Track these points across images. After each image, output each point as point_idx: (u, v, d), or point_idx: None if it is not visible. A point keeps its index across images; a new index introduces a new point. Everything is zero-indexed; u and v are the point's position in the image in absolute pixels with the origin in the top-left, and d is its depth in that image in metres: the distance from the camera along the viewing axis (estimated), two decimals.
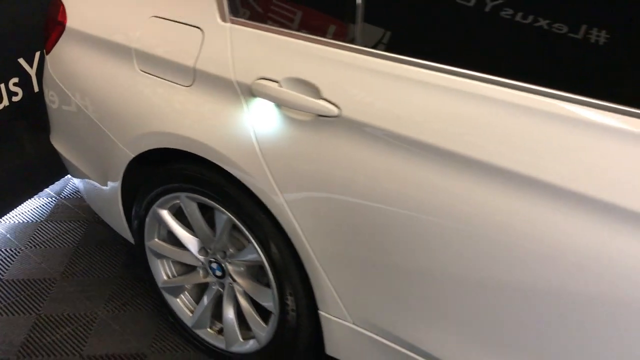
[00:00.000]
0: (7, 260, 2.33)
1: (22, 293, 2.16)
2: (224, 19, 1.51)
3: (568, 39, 1.07)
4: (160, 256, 1.90)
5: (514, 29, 1.12)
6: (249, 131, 1.45)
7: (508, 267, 1.17)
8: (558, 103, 1.08)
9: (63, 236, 2.48)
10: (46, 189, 2.78)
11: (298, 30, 1.39)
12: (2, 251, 2.37)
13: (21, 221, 2.57)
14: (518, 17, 1.11)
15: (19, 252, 2.39)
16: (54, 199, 2.74)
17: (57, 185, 2.80)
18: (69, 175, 2.72)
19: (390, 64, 1.25)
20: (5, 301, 2.12)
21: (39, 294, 2.16)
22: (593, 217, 1.05)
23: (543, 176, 1.08)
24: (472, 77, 1.15)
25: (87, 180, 2.01)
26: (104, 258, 2.34)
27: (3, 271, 2.26)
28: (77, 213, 2.63)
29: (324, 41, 1.35)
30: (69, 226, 2.54)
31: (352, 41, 1.32)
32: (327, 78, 1.33)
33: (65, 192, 2.79)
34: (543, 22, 1.09)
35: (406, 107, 1.22)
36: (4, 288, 2.18)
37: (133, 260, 2.29)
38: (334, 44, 1.34)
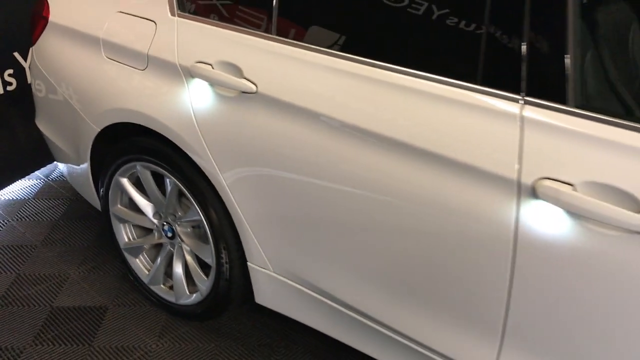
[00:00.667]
0: None
1: (6, 255, 2.45)
2: (173, 14, 1.81)
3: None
4: (122, 221, 2.19)
5: (405, 23, 1.41)
6: (188, 106, 1.75)
7: (389, 218, 1.44)
8: (410, 78, 1.36)
9: (47, 211, 2.77)
10: (36, 172, 3.08)
11: (229, 22, 1.68)
12: None
13: (10, 198, 2.87)
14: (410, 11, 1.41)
15: (6, 223, 2.68)
16: (42, 180, 3.05)
17: (46, 169, 3.10)
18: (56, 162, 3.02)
19: (300, 51, 1.54)
20: None
21: (20, 257, 2.45)
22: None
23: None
24: (365, 62, 1.43)
25: (65, 156, 2.31)
26: (81, 230, 2.63)
27: None
28: (61, 193, 2.93)
29: (248, 31, 1.65)
30: (52, 203, 2.84)
31: (269, 31, 1.61)
32: (249, 61, 1.62)
33: (53, 175, 3.09)
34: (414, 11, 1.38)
35: (311, 86, 1.50)
36: None
37: (105, 232, 2.58)
38: (255, 33, 1.63)
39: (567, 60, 1.18)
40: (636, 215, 1.11)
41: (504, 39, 1.26)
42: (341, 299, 1.68)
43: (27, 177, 3.03)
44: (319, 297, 1.75)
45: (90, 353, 1.99)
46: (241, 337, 2.08)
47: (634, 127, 1.12)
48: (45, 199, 2.89)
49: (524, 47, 1.22)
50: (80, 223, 2.68)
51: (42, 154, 2.76)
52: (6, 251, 2.50)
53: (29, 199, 2.89)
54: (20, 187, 2.97)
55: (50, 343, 2.03)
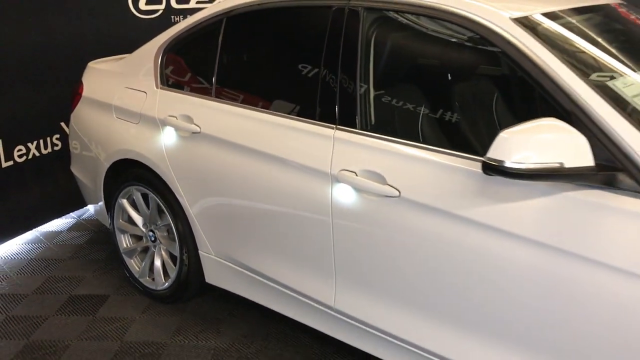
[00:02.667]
0: (37, 245, 3.58)
1: (43, 264, 3.38)
2: (157, 87, 2.81)
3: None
4: (123, 232, 3.11)
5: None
6: (162, 145, 2.70)
7: (273, 204, 2.30)
8: (277, 118, 2.28)
9: (75, 239, 3.72)
10: (71, 213, 4.07)
11: (189, 91, 2.66)
12: (36, 244, 3.63)
13: (51, 230, 3.84)
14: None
15: (45, 245, 3.64)
16: (74, 218, 4.03)
17: (79, 212, 4.08)
18: (87, 207, 4.00)
19: (226, 106, 2.48)
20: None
21: (52, 267, 3.36)
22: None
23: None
24: (258, 110, 2.37)
25: (88, 190, 3.26)
26: (96, 250, 3.55)
27: (34, 252, 3.51)
28: (87, 227, 3.89)
29: (200, 95, 2.62)
30: (80, 233, 3.80)
31: (210, 95, 2.58)
32: (198, 113, 2.58)
33: (84, 215, 4.07)
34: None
35: (232, 126, 2.43)
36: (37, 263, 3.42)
37: (111, 249, 3.48)
38: (203, 97, 2.60)
39: (357, 105, 2.08)
40: (383, 186, 1.96)
41: (328, 96, 2.18)
42: (260, 270, 2.51)
43: (64, 216, 4.02)
44: (245, 272, 2.59)
45: (93, 321, 2.85)
46: (200, 313, 2.90)
47: (383, 137, 1.99)
48: (75, 230, 3.85)
49: (337, 98, 2.13)
50: (97, 246, 3.61)
51: (76, 200, 3.73)
52: (43, 262, 3.43)
53: (63, 230, 3.86)
54: (59, 222, 3.95)
55: (72, 314, 2.91)
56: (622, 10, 2.44)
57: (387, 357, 2.17)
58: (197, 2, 4.27)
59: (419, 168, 1.90)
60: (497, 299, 1.79)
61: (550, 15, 1.99)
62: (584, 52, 1.94)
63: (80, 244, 3.66)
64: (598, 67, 1.89)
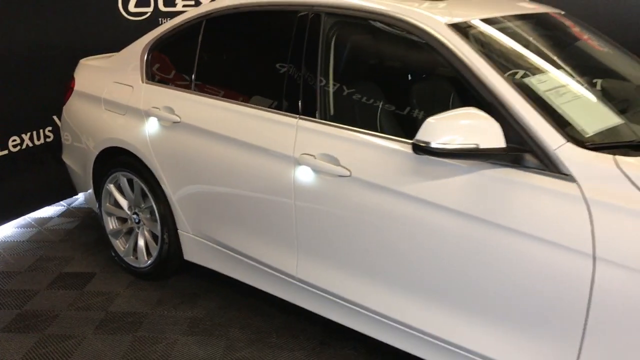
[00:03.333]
0: (29, 229, 3.85)
1: (34, 245, 3.64)
2: (142, 82, 3.09)
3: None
4: (110, 214, 3.39)
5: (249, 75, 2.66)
6: (146, 133, 2.99)
7: (244, 185, 2.59)
8: (249, 109, 2.58)
9: (65, 224, 3.99)
10: (61, 201, 4.34)
11: (172, 85, 2.96)
12: (28, 228, 3.90)
13: (43, 215, 4.11)
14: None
15: (37, 229, 3.91)
16: (64, 206, 4.30)
17: (69, 200, 4.35)
18: (77, 195, 4.27)
19: (204, 99, 2.78)
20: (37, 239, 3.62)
21: (45, 248, 3.64)
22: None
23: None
24: (232, 102, 2.66)
25: (79, 178, 3.54)
26: (85, 234, 3.82)
27: (24, 237, 3.78)
28: (76, 214, 4.16)
29: (181, 89, 2.91)
30: (69, 219, 4.07)
31: (190, 89, 2.87)
32: (178, 105, 2.87)
33: (74, 204, 4.34)
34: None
35: (208, 117, 2.72)
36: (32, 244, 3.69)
37: (99, 233, 3.75)
38: (184, 90, 2.89)
39: (317, 98, 2.38)
40: (337, 167, 2.26)
41: (293, 90, 2.48)
42: (233, 246, 2.80)
43: (55, 203, 4.29)
44: (220, 248, 2.87)
45: (81, 294, 3.12)
46: (179, 288, 3.18)
47: (337, 125, 2.29)
48: (65, 216, 4.12)
49: (301, 92, 2.43)
50: (86, 230, 3.88)
51: (66, 189, 4.00)
52: (34, 244, 3.70)
53: (54, 216, 4.13)
54: (50, 209, 4.22)
55: (61, 289, 3.18)
56: (560, 19, 2.76)
57: (343, 321, 2.46)
58: (184, 6, 4.56)
59: (366, 151, 2.21)
60: (432, 262, 2.09)
61: (484, 21, 2.30)
62: (508, 53, 2.25)
63: (70, 229, 3.93)
64: (520, 66, 2.20)
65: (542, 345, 1.89)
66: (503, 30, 2.36)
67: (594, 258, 1.73)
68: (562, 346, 1.84)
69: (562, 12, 2.91)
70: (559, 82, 2.13)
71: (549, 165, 1.86)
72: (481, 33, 2.24)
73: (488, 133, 1.86)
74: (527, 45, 2.36)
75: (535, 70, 2.17)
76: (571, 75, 2.25)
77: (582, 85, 2.20)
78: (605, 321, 1.74)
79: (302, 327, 2.81)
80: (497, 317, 1.98)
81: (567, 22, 2.77)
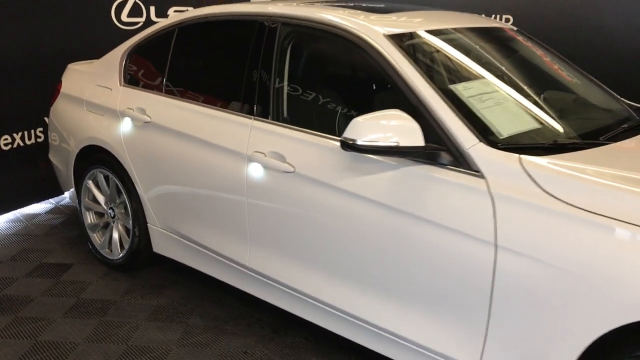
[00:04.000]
0: (17, 224, 4.07)
1: (21, 237, 3.86)
2: (120, 84, 3.32)
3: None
4: (88, 209, 3.60)
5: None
6: (120, 133, 3.21)
7: (206, 180, 2.79)
8: (212, 110, 2.79)
9: (51, 220, 4.21)
10: (50, 199, 4.57)
11: (146, 88, 3.18)
12: (16, 222, 4.12)
13: (30, 212, 4.33)
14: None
15: (24, 224, 4.12)
16: (52, 204, 4.52)
17: (56, 198, 4.58)
18: (64, 194, 4.49)
19: (172, 100, 2.99)
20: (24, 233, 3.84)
21: (31, 240, 3.85)
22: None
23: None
24: (197, 104, 2.88)
25: (62, 175, 3.75)
26: (67, 229, 4.03)
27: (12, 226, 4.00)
28: (62, 210, 4.38)
29: (153, 91, 3.13)
30: (55, 215, 4.29)
31: (161, 92, 3.09)
32: (150, 106, 3.09)
33: (61, 202, 4.57)
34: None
35: (176, 117, 2.93)
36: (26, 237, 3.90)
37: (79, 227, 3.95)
38: (156, 93, 3.11)
39: (269, 101, 2.58)
40: (283, 164, 2.46)
41: (249, 93, 2.69)
42: (194, 238, 2.99)
43: (43, 201, 4.51)
44: (183, 240, 3.07)
45: (56, 283, 3.32)
46: (148, 280, 3.37)
47: (285, 126, 2.49)
48: (52, 213, 4.34)
49: (256, 94, 2.64)
50: (69, 226, 4.09)
51: (55, 187, 4.21)
52: (19, 237, 3.92)
53: (42, 213, 4.35)
54: (38, 206, 4.44)
55: (39, 277, 3.39)
56: (511, 33, 2.95)
57: (289, 308, 2.65)
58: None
59: (309, 149, 2.40)
60: (361, 250, 2.27)
61: (427, 32, 2.49)
62: (441, 62, 2.45)
63: (55, 225, 4.15)
64: (451, 74, 2.40)
65: (453, 325, 2.06)
66: (445, 41, 2.56)
67: (496, 246, 1.91)
68: (471, 325, 2.01)
69: (515, 28, 3.10)
70: (484, 89, 2.32)
71: (462, 162, 2.04)
72: (417, 43, 2.44)
73: (408, 132, 2.05)
74: (464, 55, 2.55)
75: (463, 78, 2.36)
76: (503, 84, 2.43)
77: (511, 93, 2.38)
78: (507, 302, 1.91)
79: (259, 317, 2.99)
80: (415, 300, 2.15)
81: (518, 37, 2.96)
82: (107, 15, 4.67)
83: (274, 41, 2.65)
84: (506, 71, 2.62)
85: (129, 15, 4.80)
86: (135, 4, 4.88)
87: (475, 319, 2.01)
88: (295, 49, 2.66)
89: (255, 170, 2.56)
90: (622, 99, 2.95)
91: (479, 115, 2.17)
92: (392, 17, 2.63)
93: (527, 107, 2.35)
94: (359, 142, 2.06)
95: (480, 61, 2.57)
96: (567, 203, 1.83)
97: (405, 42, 2.39)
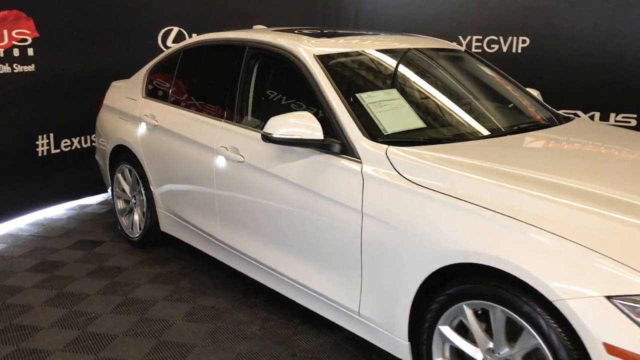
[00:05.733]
0: (73, 212, 5.01)
1: (74, 223, 4.78)
2: (142, 96, 4.17)
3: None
4: (118, 197, 4.45)
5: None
6: (137, 134, 4.05)
7: (197, 173, 3.54)
8: (199, 116, 3.56)
9: (99, 209, 5.13)
10: (101, 194, 5.51)
11: (158, 98, 4.00)
12: (72, 210, 5.06)
13: (85, 203, 5.28)
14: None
15: (77, 210, 5.06)
16: (103, 197, 5.46)
17: (107, 193, 5.51)
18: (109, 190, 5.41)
19: (173, 108, 3.79)
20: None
21: (81, 222, 4.77)
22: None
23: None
24: (191, 111, 3.66)
25: (104, 172, 4.64)
26: (110, 216, 4.92)
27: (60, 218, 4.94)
28: (109, 202, 5.30)
29: (162, 101, 3.95)
30: (103, 206, 5.20)
31: (168, 101, 3.90)
32: (158, 113, 3.90)
33: (109, 196, 5.50)
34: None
35: (180, 123, 3.72)
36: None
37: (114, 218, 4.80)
38: (164, 102, 3.93)
39: (234, 107, 3.31)
40: (237, 155, 3.17)
41: (223, 101, 3.43)
42: (185, 217, 3.75)
43: (94, 195, 5.45)
44: (179, 220, 3.83)
45: (88, 254, 4.18)
46: (159, 255, 4.14)
47: (240, 125, 3.20)
48: (101, 204, 5.27)
49: (226, 103, 3.37)
50: (111, 215, 4.96)
51: (104, 184, 5.11)
52: (72, 221, 4.84)
53: (93, 204, 5.29)
54: (90, 199, 5.39)
55: (75, 249, 4.26)
56: (456, 54, 3.53)
57: (240, 268, 3.33)
58: None
59: (254, 143, 3.08)
60: (283, 220, 2.92)
61: (342, 54, 3.13)
62: (355, 76, 3.08)
63: (100, 213, 5.06)
64: (361, 85, 3.02)
65: (340, 275, 2.66)
66: (366, 59, 3.18)
67: (362, 213, 2.51)
68: (352, 275, 2.60)
69: (463, 49, 3.67)
70: (385, 97, 2.92)
71: (349, 151, 2.66)
72: (338, 61, 3.08)
73: (311, 128, 2.69)
74: (378, 70, 3.17)
75: (370, 89, 2.98)
76: (407, 94, 3.02)
77: (412, 101, 2.97)
78: (371, 255, 2.50)
79: (236, 284, 3.67)
80: (317, 258, 2.77)
81: (466, 57, 3.53)
82: (154, 42, 5.58)
83: (242, 60, 3.37)
84: (415, 83, 3.19)
85: (173, 41, 5.69)
86: (179, 31, 5.77)
87: (354, 271, 2.60)
88: (257, 66, 3.37)
89: (220, 161, 3.28)
90: (549, 106, 3.45)
91: (372, 116, 2.78)
92: (331, 40, 3.28)
93: (419, 112, 2.93)
94: (274, 135, 2.73)
95: (391, 76, 3.17)
96: (410, 180, 2.41)
97: (328, 60, 3.03)
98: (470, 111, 3.07)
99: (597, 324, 1.81)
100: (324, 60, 3.01)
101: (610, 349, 1.79)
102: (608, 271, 1.84)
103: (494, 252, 2.05)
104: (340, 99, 2.80)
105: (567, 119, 3.37)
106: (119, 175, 4.35)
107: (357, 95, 2.90)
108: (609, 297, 1.81)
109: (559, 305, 1.88)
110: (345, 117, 2.72)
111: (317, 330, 3.13)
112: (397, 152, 2.53)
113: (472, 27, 5.99)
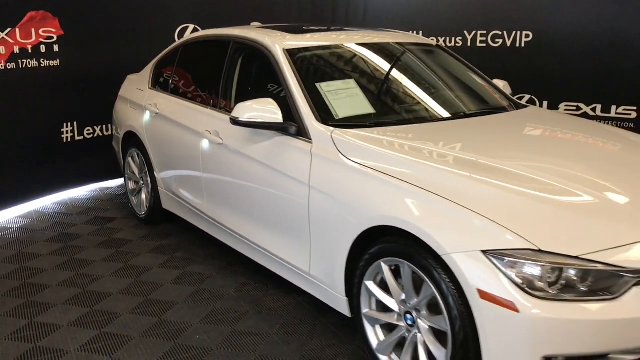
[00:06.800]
0: (93, 193, 5.54)
1: (94, 203, 5.32)
2: (148, 87, 4.65)
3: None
4: (129, 179, 4.95)
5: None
6: (142, 120, 4.53)
7: (187, 154, 3.99)
8: (192, 104, 4.00)
9: (117, 191, 5.65)
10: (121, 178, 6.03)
11: (161, 89, 4.47)
12: (93, 192, 5.61)
13: (106, 186, 5.81)
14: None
15: (97, 192, 5.60)
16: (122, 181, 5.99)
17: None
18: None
19: (172, 97, 4.25)
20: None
21: (100, 202, 5.30)
22: (191, 134, 3.91)
23: (196, 128, 3.95)
24: (185, 100, 4.12)
25: (119, 159, 5.15)
26: (126, 197, 5.42)
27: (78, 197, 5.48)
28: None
29: (163, 92, 4.42)
30: (122, 188, 5.73)
31: (168, 91, 4.37)
32: (160, 102, 4.37)
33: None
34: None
35: (181, 113, 4.18)
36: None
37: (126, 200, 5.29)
38: (165, 93, 4.39)
39: (218, 96, 3.74)
40: (217, 138, 3.61)
41: (212, 91, 3.87)
42: (178, 194, 4.21)
43: (114, 179, 5.99)
44: (175, 197, 4.30)
45: (101, 229, 4.69)
46: (162, 230, 4.60)
47: (219, 111, 3.63)
48: (120, 187, 5.79)
49: (212, 93, 3.81)
50: (126, 196, 5.47)
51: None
52: (91, 201, 5.38)
53: (112, 187, 5.82)
54: (111, 182, 5.92)
55: (90, 224, 4.79)
56: (389, 46, 3.87)
57: (221, 238, 3.76)
58: None
59: (231, 127, 3.50)
60: (253, 195, 3.32)
61: (309, 48, 3.51)
62: (318, 67, 3.46)
63: (118, 194, 5.58)
64: (322, 76, 3.40)
65: (294, 241, 3.05)
66: (330, 52, 3.55)
67: (309, 186, 2.90)
68: (302, 240, 2.99)
69: (435, 44, 4.01)
70: (343, 87, 3.29)
71: (304, 133, 3.05)
72: (304, 55, 3.46)
73: (272, 112, 3.09)
74: (340, 63, 3.54)
75: (330, 79, 3.36)
76: (365, 84, 3.39)
77: (368, 90, 3.34)
78: (316, 222, 2.88)
79: (224, 255, 4.11)
80: (277, 226, 3.17)
81: (437, 51, 3.88)
82: (171, 38, 6.05)
83: (226, 54, 3.80)
84: (374, 75, 3.55)
85: None
86: (195, 28, 6.23)
87: (304, 237, 2.99)
88: (239, 59, 3.78)
89: (205, 143, 3.72)
90: (511, 96, 3.77)
91: (327, 103, 3.16)
92: (306, 36, 3.65)
93: (372, 99, 3.29)
94: (241, 119, 3.14)
95: (352, 67, 3.53)
96: (347, 157, 2.78)
97: (296, 54, 3.42)
98: (421, 99, 3.41)
99: (473, 273, 2.15)
100: (292, 53, 3.40)
101: (483, 294, 2.13)
102: (485, 230, 2.18)
103: (400, 216, 2.41)
104: (300, 87, 3.18)
105: (524, 107, 3.67)
106: (129, 159, 4.84)
107: (317, 84, 3.27)
108: (483, 252, 2.15)
109: (446, 258, 2.23)
110: (302, 103, 3.11)
111: (286, 293, 3.53)
112: (339, 134, 2.91)
113: (477, 22, 6.26)
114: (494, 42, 6.15)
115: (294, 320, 3.24)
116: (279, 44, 3.45)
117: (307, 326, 3.18)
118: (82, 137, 5.59)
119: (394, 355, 2.61)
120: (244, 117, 3.11)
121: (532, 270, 2.09)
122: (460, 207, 2.27)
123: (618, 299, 2.08)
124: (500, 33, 6.09)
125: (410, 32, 6.47)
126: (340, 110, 3.14)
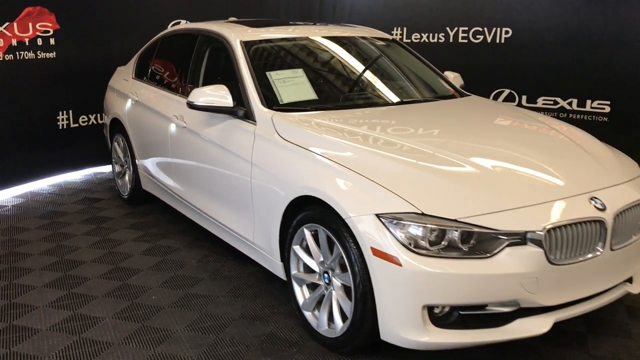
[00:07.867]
0: (88, 177, 5.95)
1: (81, 187, 5.73)
2: (132, 77, 5.04)
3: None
4: (115, 163, 5.35)
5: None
6: (125, 107, 4.91)
7: (162, 139, 4.37)
8: (163, 91, 4.38)
9: (109, 175, 6.06)
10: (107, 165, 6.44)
11: (142, 78, 4.85)
12: (87, 175, 6.01)
13: (99, 171, 6.22)
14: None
15: (87, 179, 6.01)
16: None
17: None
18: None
19: (149, 86, 4.63)
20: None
21: (90, 185, 5.71)
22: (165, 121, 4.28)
23: (166, 113, 4.33)
24: (159, 87, 4.49)
25: (108, 142, 5.55)
26: (111, 186, 5.82)
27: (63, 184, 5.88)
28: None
29: (142, 81, 4.79)
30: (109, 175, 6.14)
31: (146, 80, 4.75)
32: (139, 90, 4.75)
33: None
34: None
35: (155, 99, 4.55)
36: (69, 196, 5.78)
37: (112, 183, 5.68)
38: (144, 81, 4.77)
39: (185, 83, 4.11)
40: (181, 122, 3.97)
41: (182, 79, 4.23)
42: (154, 175, 4.58)
43: (107, 165, 6.39)
44: (151, 178, 4.67)
45: (88, 208, 5.08)
46: (144, 210, 4.98)
47: (184, 97, 4.00)
48: (111, 172, 6.20)
49: (179, 80, 4.17)
50: (111, 182, 5.87)
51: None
52: (84, 184, 5.78)
53: (105, 172, 6.22)
54: (104, 167, 6.33)
55: (78, 204, 5.19)
56: (380, 42, 4.19)
57: (193, 217, 4.11)
58: None
59: (193, 111, 3.86)
60: (209, 172, 3.68)
61: (265, 40, 3.86)
62: (270, 58, 3.80)
63: (110, 178, 5.97)
64: (273, 65, 3.74)
65: (241, 214, 3.40)
66: (282, 45, 3.89)
67: (251, 163, 3.25)
68: (247, 212, 3.34)
69: (392, 38, 4.33)
70: (290, 75, 3.63)
71: (250, 116, 3.39)
72: (258, 46, 3.80)
73: (223, 97, 3.44)
74: (290, 54, 3.87)
75: (280, 68, 3.70)
76: (310, 73, 3.72)
77: (312, 79, 3.67)
78: (257, 195, 3.22)
79: (194, 232, 4.47)
80: (229, 200, 3.53)
81: (392, 45, 4.20)
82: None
83: (194, 45, 4.16)
84: (323, 65, 3.87)
85: None
86: (186, 22, 6.60)
87: (248, 208, 3.33)
88: (206, 50, 4.14)
89: (172, 127, 4.08)
90: (456, 86, 4.08)
91: (274, 89, 3.50)
92: (270, 29, 3.99)
93: (317, 87, 3.62)
94: (196, 103, 3.49)
95: (302, 58, 3.86)
96: (282, 137, 3.12)
97: (252, 45, 3.77)
98: (366, 87, 3.74)
99: (368, 233, 2.48)
100: (248, 45, 3.75)
101: (375, 252, 2.46)
102: (379, 197, 2.51)
103: (316, 186, 2.74)
104: (250, 75, 3.52)
105: (467, 96, 3.97)
106: (115, 144, 5.23)
107: (267, 73, 3.62)
108: (377, 215, 2.47)
109: (348, 221, 2.56)
110: (251, 89, 3.46)
111: (242, 264, 3.87)
112: (278, 117, 3.25)
113: (459, 19, 6.52)
114: (475, 39, 6.39)
115: (243, 285, 3.59)
116: (238, 36, 3.79)
117: (254, 290, 3.52)
118: (77, 125, 5.98)
119: (316, 311, 2.94)
120: (199, 101, 3.46)
121: (416, 231, 2.40)
122: (363, 177, 2.60)
123: (492, 257, 2.38)
124: (481, 29, 6.32)
125: (395, 29, 6.78)
126: (286, 96, 3.47)
